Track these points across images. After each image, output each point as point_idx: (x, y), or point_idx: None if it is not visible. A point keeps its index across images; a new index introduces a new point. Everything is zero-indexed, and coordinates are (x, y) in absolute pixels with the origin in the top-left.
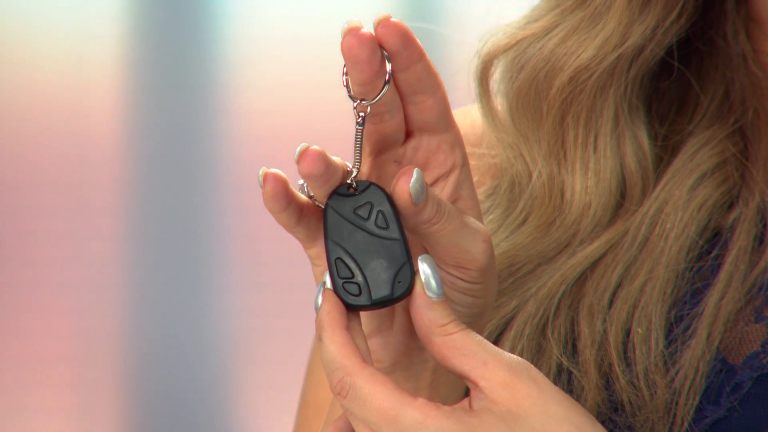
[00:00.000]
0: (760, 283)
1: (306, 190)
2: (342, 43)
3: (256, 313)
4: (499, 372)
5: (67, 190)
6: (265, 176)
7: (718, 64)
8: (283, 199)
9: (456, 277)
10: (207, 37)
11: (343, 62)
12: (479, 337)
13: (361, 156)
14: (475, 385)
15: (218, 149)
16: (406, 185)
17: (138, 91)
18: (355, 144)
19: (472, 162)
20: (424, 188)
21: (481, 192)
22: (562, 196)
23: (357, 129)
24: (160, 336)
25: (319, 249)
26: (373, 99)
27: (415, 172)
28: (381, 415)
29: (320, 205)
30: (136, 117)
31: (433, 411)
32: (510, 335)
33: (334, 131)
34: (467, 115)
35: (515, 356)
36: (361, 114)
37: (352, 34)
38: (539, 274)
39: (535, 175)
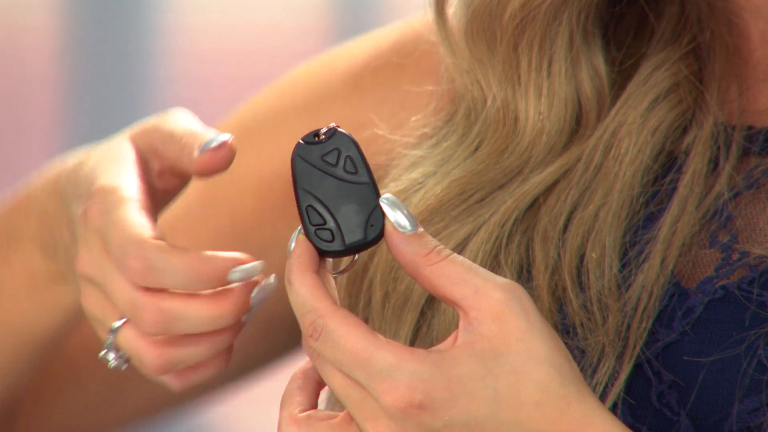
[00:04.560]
0: (714, 207)
1: None
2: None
3: None
4: (490, 301)
5: None
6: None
7: None
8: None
9: None
10: None
11: None
12: (468, 262)
13: None
14: (466, 314)
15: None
16: None
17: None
18: None
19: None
20: None
21: (439, 118)
22: (516, 121)
23: None
24: None
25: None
26: None
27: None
28: (353, 357)
29: None
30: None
31: (407, 354)
32: None
33: None
34: (409, 24)
35: (508, 280)
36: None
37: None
38: (491, 201)
39: (489, 101)
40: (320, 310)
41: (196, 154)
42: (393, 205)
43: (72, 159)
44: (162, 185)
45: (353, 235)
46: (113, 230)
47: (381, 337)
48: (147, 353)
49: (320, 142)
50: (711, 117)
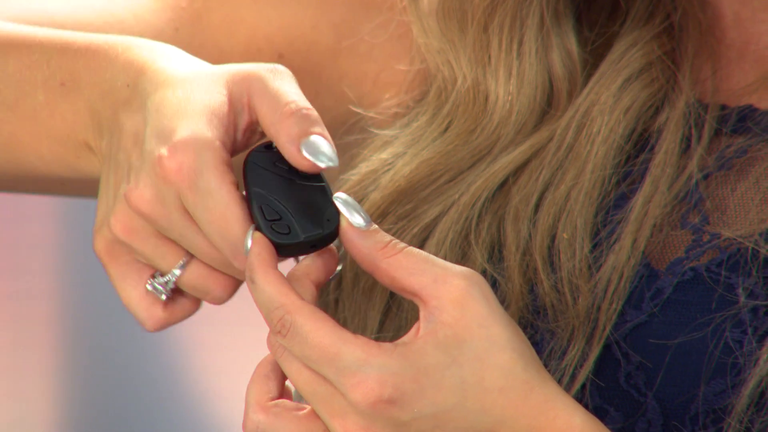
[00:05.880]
0: (686, 188)
1: None
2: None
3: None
4: (450, 288)
5: None
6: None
7: None
8: None
9: None
10: None
11: None
12: (424, 253)
13: None
14: (426, 304)
15: None
16: None
17: None
18: None
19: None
20: None
21: (411, 98)
22: (486, 101)
23: None
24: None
25: None
26: None
27: None
28: (322, 352)
29: None
30: None
31: (375, 349)
32: (432, 242)
33: None
34: None
35: (466, 268)
36: None
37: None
38: (460, 181)
39: (459, 80)
40: (288, 306)
41: (295, 131)
42: (346, 203)
43: (154, 50)
44: (243, 143)
45: (310, 229)
46: (213, 217)
47: (348, 332)
48: (217, 287)
49: (273, 150)
50: (684, 96)
